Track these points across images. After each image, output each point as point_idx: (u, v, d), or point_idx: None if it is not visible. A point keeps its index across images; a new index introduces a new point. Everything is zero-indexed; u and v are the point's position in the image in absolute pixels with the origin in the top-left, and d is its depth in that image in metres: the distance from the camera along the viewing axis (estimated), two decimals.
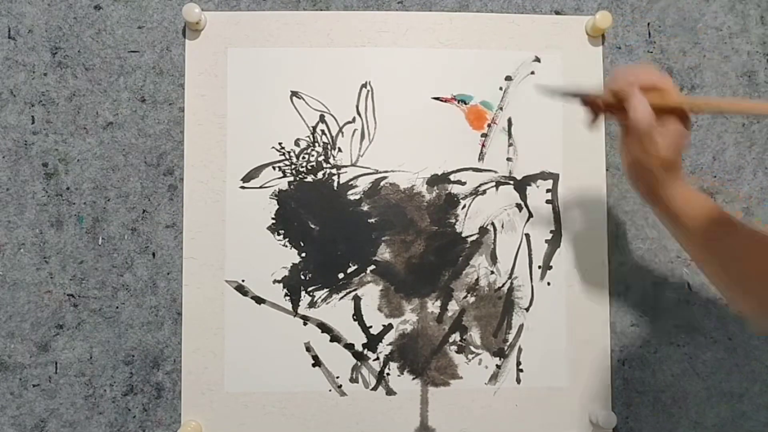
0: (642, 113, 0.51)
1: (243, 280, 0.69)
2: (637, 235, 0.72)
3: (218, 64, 0.70)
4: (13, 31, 0.70)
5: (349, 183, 0.70)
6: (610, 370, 0.70)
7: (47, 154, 0.70)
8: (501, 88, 0.72)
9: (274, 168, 0.70)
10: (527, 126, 0.71)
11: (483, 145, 0.71)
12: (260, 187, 0.70)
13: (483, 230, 0.71)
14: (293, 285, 0.69)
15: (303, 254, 0.69)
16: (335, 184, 0.70)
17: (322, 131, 0.71)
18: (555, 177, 0.71)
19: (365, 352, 0.69)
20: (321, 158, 0.70)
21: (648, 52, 0.73)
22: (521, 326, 0.70)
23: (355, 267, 0.70)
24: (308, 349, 0.69)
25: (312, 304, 0.69)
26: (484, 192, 0.71)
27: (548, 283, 0.70)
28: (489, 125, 0.71)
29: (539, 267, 0.71)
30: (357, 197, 0.70)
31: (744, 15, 0.74)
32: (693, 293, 0.72)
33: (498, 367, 0.70)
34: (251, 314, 0.69)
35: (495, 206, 0.71)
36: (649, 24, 0.74)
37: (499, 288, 0.70)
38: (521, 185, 0.71)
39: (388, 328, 0.70)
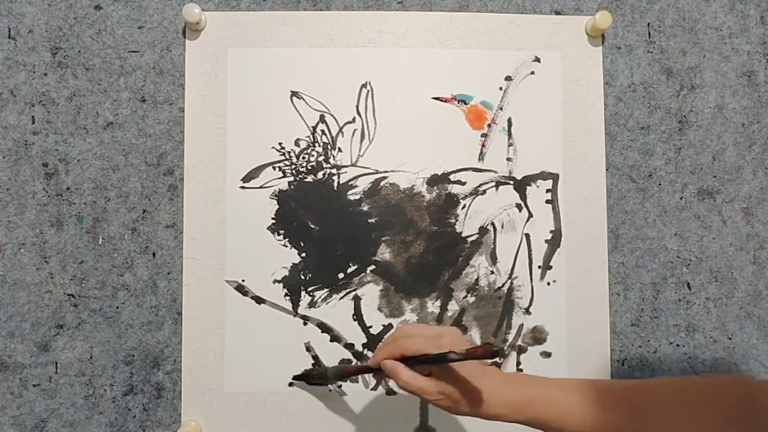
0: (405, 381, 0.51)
1: (243, 280, 0.69)
2: (637, 235, 0.72)
3: (218, 64, 0.70)
4: (13, 31, 0.70)
5: (349, 183, 0.70)
6: (610, 370, 0.70)
7: (47, 154, 0.70)
8: (501, 88, 0.72)
9: (274, 168, 0.70)
10: (527, 126, 0.71)
11: (483, 145, 0.71)
12: (260, 187, 0.70)
13: (483, 230, 0.71)
14: (293, 285, 0.69)
15: (303, 254, 0.69)
16: (335, 184, 0.70)
17: (322, 131, 0.71)
18: (555, 177, 0.71)
19: (365, 352, 0.69)
20: (321, 158, 0.70)
21: (648, 52, 0.73)
22: (521, 326, 0.70)
23: (355, 267, 0.70)
24: (308, 349, 0.69)
25: (312, 304, 0.69)
26: (484, 192, 0.71)
27: (548, 283, 0.70)
28: (489, 125, 0.71)
29: (539, 267, 0.71)
30: (357, 197, 0.70)
31: (744, 15, 0.74)
32: (693, 293, 0.72)
33: (498, 366, 0.69)
34: (251, 314, 0.69)
35: (495, 206, 0.71)
36: (649, 24, 0.74)
37: (499, 288, 0.70)
38: (521, 185, 0.71)
39: (388, 328, 0.70)
